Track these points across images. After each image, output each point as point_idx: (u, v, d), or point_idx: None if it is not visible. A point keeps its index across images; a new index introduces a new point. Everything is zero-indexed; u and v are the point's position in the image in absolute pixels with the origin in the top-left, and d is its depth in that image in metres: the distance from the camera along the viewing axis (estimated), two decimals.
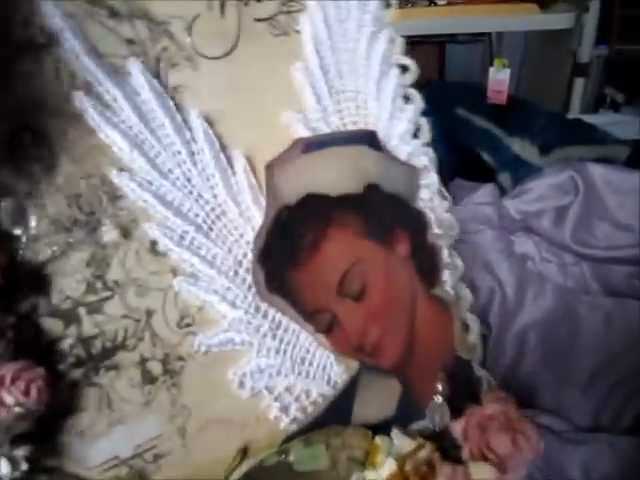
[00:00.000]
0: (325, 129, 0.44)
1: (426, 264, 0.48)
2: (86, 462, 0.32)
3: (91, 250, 0.34)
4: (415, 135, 0.49)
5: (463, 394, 0.49)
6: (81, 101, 0.34)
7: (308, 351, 0.42)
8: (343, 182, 0.42)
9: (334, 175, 0.42)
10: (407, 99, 0.49)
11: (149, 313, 0.35)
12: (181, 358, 0.36)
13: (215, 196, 0.39)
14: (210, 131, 0.39)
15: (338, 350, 0.43)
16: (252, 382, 0.39)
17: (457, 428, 0.46)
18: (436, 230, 0.49)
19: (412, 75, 0.49)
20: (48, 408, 0.31)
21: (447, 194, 0.51)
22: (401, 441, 0.43)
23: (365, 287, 0.44)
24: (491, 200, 0.66)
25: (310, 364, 0.42)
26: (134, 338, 0.35)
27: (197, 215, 0.38)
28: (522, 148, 0.86)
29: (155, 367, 0.35)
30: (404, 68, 0.50)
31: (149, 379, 0.35)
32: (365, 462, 0.42)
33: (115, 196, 0.35)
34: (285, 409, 0.40)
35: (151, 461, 0.35)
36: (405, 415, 0.46)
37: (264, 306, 0.39)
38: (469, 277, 0.50)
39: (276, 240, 0.39)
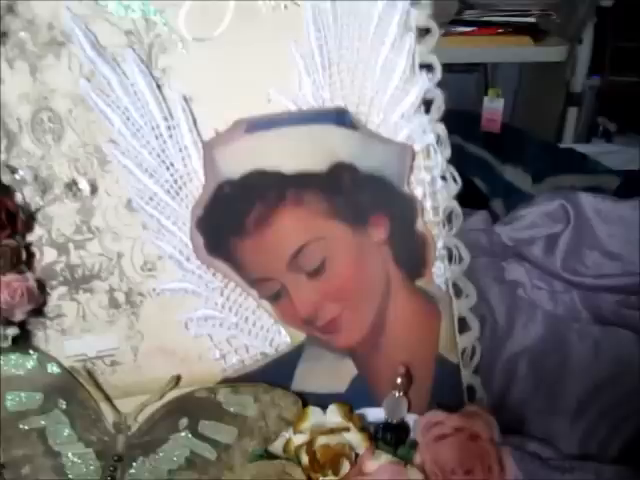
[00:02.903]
0: (312, 105, 0.44)
1: (408, 253, 0.45)
2: (62, 352, 0.45)
3: (81, 202, 0.45)
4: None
5: (444, 400, 0.45)
6: (84, 86, 0.44)
7: (254, 312, 0.46)
8: (299, 161, 0.43)
9: (287, 154, 0.42)
10: (422, 67, 0.44)
11: (120, 255, 0.45)
12: (141, 294, 0.46)
13: (185, 165, 0.45)
14: (187, 108, 0.44)
15: (283, 319, 0.45)
16: (196, 328, 0.46)
17: (413, 422, 0.45)
18: (432, 218, 0.45)
19: (433, 39, 0.44)
20: (39, 308, 0.45)
21: (458, 177, 0.44)
22: (333, 418, 0.44)
23: (324, 265, 0.44)
24: (483, 227, 0.66)
25: (253, 324, 0.46)
26: (106, 272, 0.45)
27: (167, 181, 0.45)
28: (514, 176, 0.89)
29: (120, 297, 0.46)
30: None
31: (114, 305, 0.46)
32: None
33: (104, 161, 0.45)
34: (224, 356, 0.46)
35: (108, 365, 0.46)
36: (358, 398, 0.46)
37: None
38: None
39: (216, 211, 0.43)
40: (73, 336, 0.46)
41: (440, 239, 0.45)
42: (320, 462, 0.42)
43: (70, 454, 0.45)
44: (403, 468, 0.43)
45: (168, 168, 0.45)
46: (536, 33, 1.18)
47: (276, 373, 0.46)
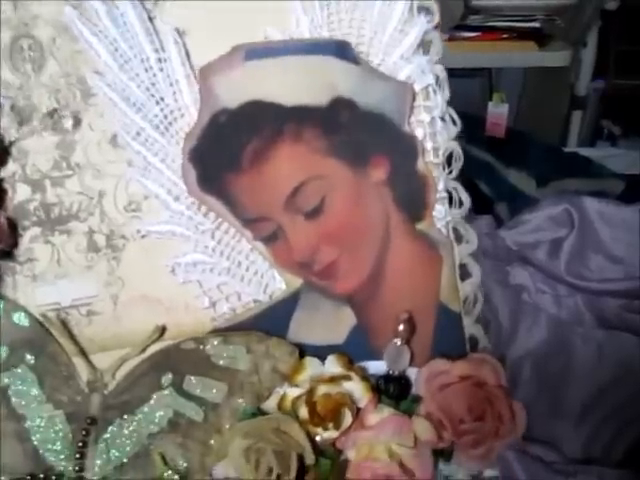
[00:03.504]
0: None
1: (409, 195, 0.43)
2: (33, 300, 0.41)
3: (61, 135, 0.42)
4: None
5: (447, 352, 0.43)
6: (70, 14, 0.42)
7: (247, 257, 0.43)
8: (299, 93, 0.41)
9: (287, 84, 0.41)
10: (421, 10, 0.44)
11: (101, 194, 0.42)
12: (124, 237, 0.42)
13: (176, 100, 0.42)
14: (179, 40, 0.42)
15: (278, 263, 0.42)
16: (184, 273, 0.42)
17: (414, 375, 0.42)
18: (432, 159, 0.43)
19: None
20: (8, 251, 0.40)
21: (457, 119, 0.44)
22: (332, 369, 0.41)
23: (322, 205, 0.42)
24: (488, 231, 0.66)
25: (247, 269, 0.43)
26: (86, 212, 0.42)
27: (156, 115, 0.42)
28: (519, 180, 0.88)
29: (100, 239, 0.42)
30: None
31: (93, 248, 0.42)
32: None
33: (88, 94, 0.42)
34: (214, 304, 0.42)
35: (84, 315, 0.42)
36: (357, 350, 0.43)
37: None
38: None
39: (210, 142, 0.41)
40: (46, 282, 0.41)
41: (441, 181, 0.44)
42: (320, 414, 0.39)
43: (36, 417, 0.40)
44: (408, 420, 0.40)
45: (158, 102, 0.42)
46: (540, 38, 1.17)
47: (270, 322, 0.42)
